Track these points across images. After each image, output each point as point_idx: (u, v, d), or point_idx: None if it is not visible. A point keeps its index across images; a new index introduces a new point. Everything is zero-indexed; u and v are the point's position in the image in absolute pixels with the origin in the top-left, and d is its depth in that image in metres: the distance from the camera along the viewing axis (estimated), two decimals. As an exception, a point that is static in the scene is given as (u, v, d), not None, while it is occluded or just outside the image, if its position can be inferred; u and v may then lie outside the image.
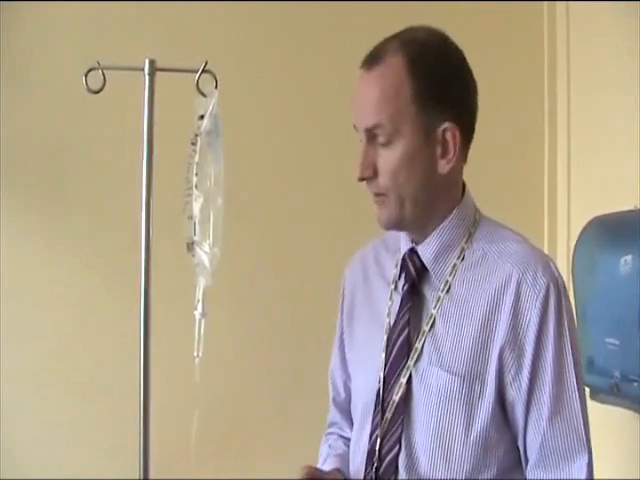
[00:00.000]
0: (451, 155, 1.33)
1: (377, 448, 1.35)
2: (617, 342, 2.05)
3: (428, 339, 1.35)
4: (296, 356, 2.45)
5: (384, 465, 1.34)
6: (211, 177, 1.69)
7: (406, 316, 1.37)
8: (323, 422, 1.65)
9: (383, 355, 1.38)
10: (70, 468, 2.26)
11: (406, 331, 1.36)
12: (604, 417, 1.95)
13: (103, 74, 1.68)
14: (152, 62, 1.73)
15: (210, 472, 2.27)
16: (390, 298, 1.42)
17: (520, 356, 1.30)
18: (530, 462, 1.32)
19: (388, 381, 1.36)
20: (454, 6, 2.48)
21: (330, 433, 1.62)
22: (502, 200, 2.24)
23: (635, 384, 1.99)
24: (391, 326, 1.39)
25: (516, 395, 1.31)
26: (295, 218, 2.49)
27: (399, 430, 1.34)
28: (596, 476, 1.31)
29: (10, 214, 2.30)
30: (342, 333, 1.55)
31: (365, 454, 1.38)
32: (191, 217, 1.68)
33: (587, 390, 1.56)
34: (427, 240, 1.38)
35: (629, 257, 2.02)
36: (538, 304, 1.30)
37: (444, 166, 1.34)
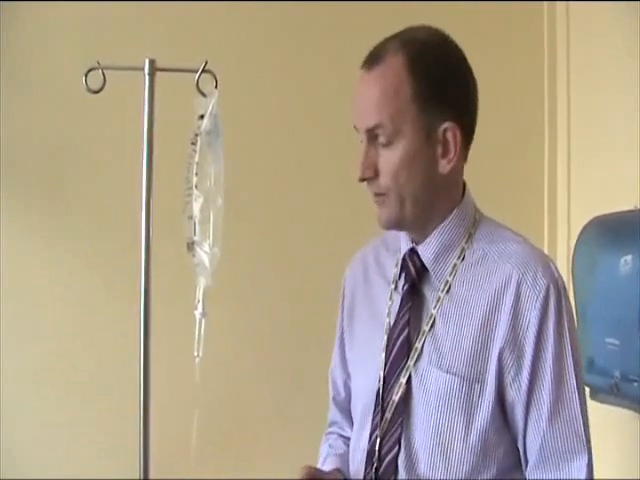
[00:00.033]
0: (452, 155, 1.33)
1: (377, 448, 1.35)
2: (617, 342, 2.05)
3: (428, 339, 1.35)
4: (296, 356, 2.45)
5: (384, 465, 1.34)
6: (211, 177, 1.69)
7: (406, 316, 1.37)
8: (323, 422, 1.65)
9: (383, 355, 1.38)
10: (70, 468, 2.26)
11: (406, 331, 1.36)
12: (604, 417, 1.95)
13: (103, 74, 1.68)
14: (152, 62, 1.73)
15: (210, 472, 2.27)
16: (390, 298, 1.42)
17: (520, 357, 1.30)
18: (530, 463, 1.32)
19: (388, 381, 1.36)
20: (454, 6, 2.48)
21: (330, 432, 1.62)
22: (502, 200, 2.24)
23: (635, 384, 1.99)
24: (391, 326, 1.39)
25: (516, 396, 1.31)
26: (295, 218, 2.49)
27: (399, 430, 1.34)
28: (596, 476, 1.31)
29: (10, 214, 2.30)
30: (342, 332, 1.55)
31: (365, 454, 1.38)
32: (191, 217, 1.68)
33: (587, 390, 1.56)
34: (427, 240, 1.38)
35: (629, 257, 2.02)
36: (538, 305, 1.30)
37: (445, 166, 1.34)
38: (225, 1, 2.42)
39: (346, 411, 1.56)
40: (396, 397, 1.35)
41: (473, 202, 1.42)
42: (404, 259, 1.41)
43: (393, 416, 1.35)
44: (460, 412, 1.31)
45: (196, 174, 1.68)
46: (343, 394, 1.57)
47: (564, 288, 1.34)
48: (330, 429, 1.63)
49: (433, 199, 1.36)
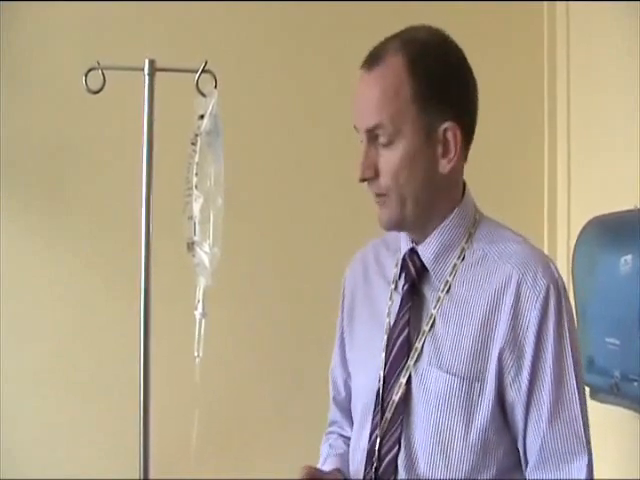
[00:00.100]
0: (452, 154, 1.33)
1: (377, 448, 1.35)
2: (617, 342, 2.05)
3: (428, 339, 1.35)
4: (296, 356, 2.45)
5: (384, 465, 1.34)
6: (211, 177, 1.69)
7: (406, 316, 1.37)
8: (323, 422, 1.65)
9: (383, 355, 1.38)
10: (70, 468, 2.26)
11: (406, 331, 1.36)
12: (604, 417, 1.95)
13: (103, 74, 1.68)
14: (152, 62, 1.73)
15: (210, 472, 2.27)
16: (390, 298, 1.42)
17: (520, 357, 1.30)
18: (530, 464, 1.32)
19: (388, 381, 1.36)
20: (454, 6, 2.48)
21: (330, 432, 1.62)
22: (502, 200, 2.24)
23: (635, 384, 1.99)
24: (391, 326, 1.39)
25: (516, 396, 1.31)
26: (295, 218, 2.49)
27: (399, 430, 1.34)
28: (596, 476, 1.31)
29: (10, 214, 2.30)
30: (342, 332, 1.55)
31: (365, 454, 1.38)
32: (191, 217, 1.68)
33: (587, 390, 1.56)
34: (427, 240, 1.38)
35: (629, 257, 2.02)
36: (538, 305, 1.30)
37: (445, 166, 1.34)
38: (225, 1, 2.42)
39: (346, 411, 1.56)
40: (396, 397, 1.35)
41: (473, 202, 1.42)
42: (404, 259, 1.41)
43: (393, 416, 1.35)
44: (460, 411, 1.31)
45: (196, 174, 1.68)
46: (343, 394, 1.57)
47: (564, 288, 1.34)
48: (330, 429, 1.63)
49: (433, 199, 1.36)
